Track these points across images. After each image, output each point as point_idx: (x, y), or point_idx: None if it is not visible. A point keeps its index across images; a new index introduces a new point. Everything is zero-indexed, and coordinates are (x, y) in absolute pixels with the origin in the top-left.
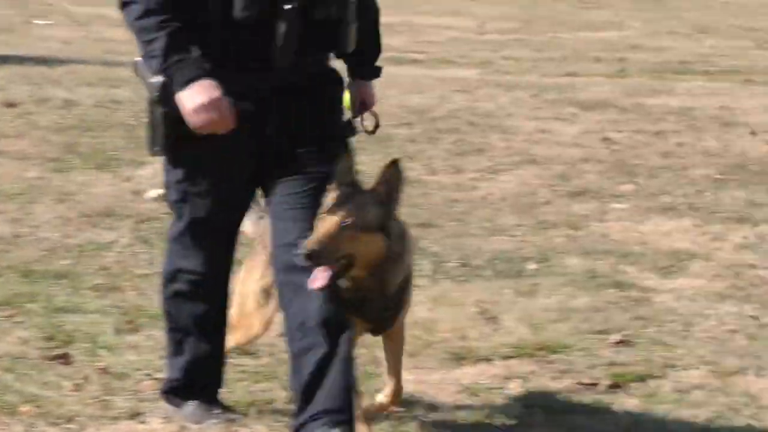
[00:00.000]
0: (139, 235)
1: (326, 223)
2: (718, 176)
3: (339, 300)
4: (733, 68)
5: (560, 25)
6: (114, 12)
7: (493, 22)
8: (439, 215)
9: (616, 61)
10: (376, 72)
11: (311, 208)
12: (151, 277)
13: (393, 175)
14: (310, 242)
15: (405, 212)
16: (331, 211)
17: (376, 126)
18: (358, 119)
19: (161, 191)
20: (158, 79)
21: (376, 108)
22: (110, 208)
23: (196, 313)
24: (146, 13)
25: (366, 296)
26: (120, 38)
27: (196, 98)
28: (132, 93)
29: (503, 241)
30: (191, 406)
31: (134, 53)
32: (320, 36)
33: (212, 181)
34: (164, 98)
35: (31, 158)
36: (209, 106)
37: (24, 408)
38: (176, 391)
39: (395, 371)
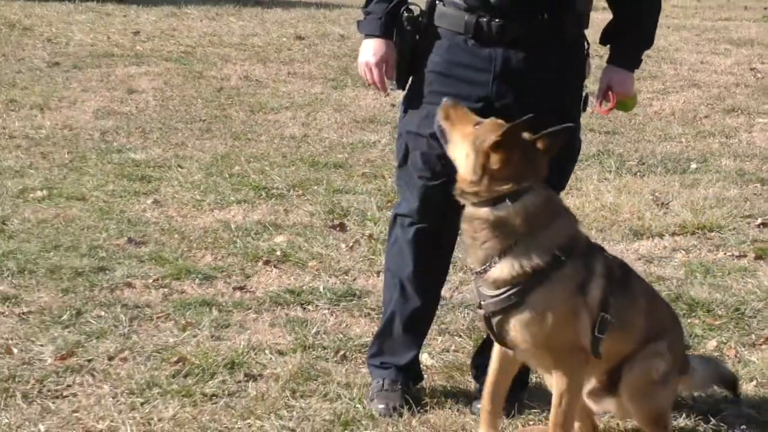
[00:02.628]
0: (396, 136)
1: None
2: None
3: None
4: None
5: None
6: None
7: None
8: (622, 125)
9: (761, 8)
10: (629, 62)
11: None
12: None
13: None
14: None
15: (596, 123)
16: None
17: (610, 109)
18: (597, 102)
19: None
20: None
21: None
22: (374, 116)
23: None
24: None
25: None
26: None
27: (362, 53)
28: None
29: (672, 145)
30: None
31: None
32: None
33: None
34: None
35: (315, 78)
36: (365, 65)
37: (311, 263)
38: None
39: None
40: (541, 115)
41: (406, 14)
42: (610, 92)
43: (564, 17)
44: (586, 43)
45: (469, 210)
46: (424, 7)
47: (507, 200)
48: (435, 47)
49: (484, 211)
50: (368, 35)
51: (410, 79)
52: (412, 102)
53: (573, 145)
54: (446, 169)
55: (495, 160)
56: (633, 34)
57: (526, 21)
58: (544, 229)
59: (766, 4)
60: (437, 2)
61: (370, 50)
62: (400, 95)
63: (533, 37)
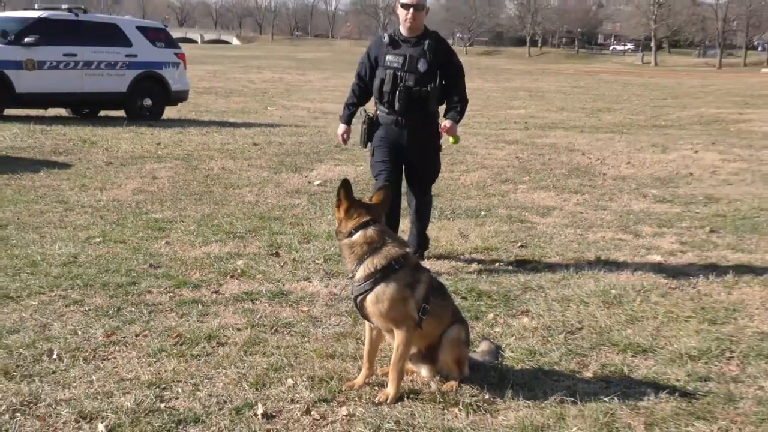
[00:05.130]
0: (311, 200)
1: None
2: (566, 173)
3: None
4: (576, 126)
5: (499, 107)
6: (303, 103)
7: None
8: (442, 190)
9: (523, 122)
10: (454, 117)
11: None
12: (316, 219)
13: None
14: None
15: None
16: None
17: (441, 132)
18: (442, 137)
19: (320, 181)
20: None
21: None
22: (298, 189)
23: None
24: (349, 96)
25: None
26: (305, 115)
27: (338, 129)
28: (309, 138)
29: (471, 202)
30: None
31: (311, 122)
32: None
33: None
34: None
35: (264, 167)
36: (337, 134)
37: (258, 276)
38: None
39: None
40: (425, 155)
41: (365, 116)
42: (445, 126)
43: (429, 114)
44: (439, 123)
45: (341, 242)
46: (372, 113)
47: (353, 232)
48: (380, 129)
49: (346, 241)
50: (341, 123)
51: (368, 143)
52: (372, 151)
53: (434, 168)
54: (389, 173)
55: (341, 211)
56: (454, 113)
57: (413, 117)
58: (382, 248)
59: (525, 120)
60: (378, 112)
61: (340, 128)
62: (312, 177)
63: (417, 123)
